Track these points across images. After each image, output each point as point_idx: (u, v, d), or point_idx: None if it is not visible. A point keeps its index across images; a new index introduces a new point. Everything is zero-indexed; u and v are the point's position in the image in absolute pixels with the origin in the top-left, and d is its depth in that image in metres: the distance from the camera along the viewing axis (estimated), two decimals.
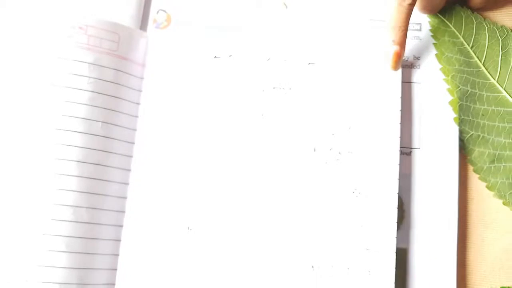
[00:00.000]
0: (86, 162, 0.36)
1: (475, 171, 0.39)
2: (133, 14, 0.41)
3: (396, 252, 0.36)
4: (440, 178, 0.38)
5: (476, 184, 0.39)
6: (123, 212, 0.38)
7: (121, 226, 0.37)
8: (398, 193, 0.37)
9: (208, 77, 0.40)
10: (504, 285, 0.38)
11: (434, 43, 0.40)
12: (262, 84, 0.39)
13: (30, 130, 0.36)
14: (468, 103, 0.39)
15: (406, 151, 0.39)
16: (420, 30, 0.41)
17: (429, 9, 0.40)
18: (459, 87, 0.39)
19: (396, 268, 0.36)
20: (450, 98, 0.39)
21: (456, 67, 0.39)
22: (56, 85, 0.37)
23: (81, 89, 0.37)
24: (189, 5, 0.42)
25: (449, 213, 0.38)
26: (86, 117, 0.37)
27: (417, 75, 0.40)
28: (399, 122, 0.38)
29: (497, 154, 0.38)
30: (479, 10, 0.41)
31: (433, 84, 0.40)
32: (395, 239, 0.36)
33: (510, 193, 0.38)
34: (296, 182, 0.38)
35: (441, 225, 0.38)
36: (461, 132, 0.39)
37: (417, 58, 0.40)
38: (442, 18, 0.40)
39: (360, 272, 0.36)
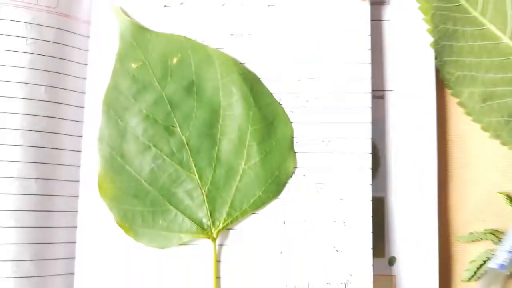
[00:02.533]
0: (32, 130, 0.34)
1: (467, 113, 0.35)
2: None
3: (373, 202, 0.34)
4: (416, 121, 0.36)
5: (456, 125, 0.36)
6: (78, 181, 0.35)
7: (77, 196, 0.35)
8: (372, 140, 0.35)
9: (159, 28, 0.36)
10: (488, 228, 0.36)
11: None
12: (217, 32, 0.36)
13: None
14: (450, 42, 0.36)
15: (378, 94, 0.36)
16: None
17: None
18: (438, 26, 0.36)
19: (373, 217, 0.34)
20: (428, 38, 0.36)
21: (435, 4, 0.36)
22: None
23: (19, 51, 0.34)
24: None
25: (427, 157, 0.35)
26: (27, 82, 0.34)
27: (387, 12, 0.37)
28: (370, 62, 0.35)
29: (488, 91, 0.35)
30: None
31: (406, 21, 0.37)
32: (370, 188, 0.34)
33: (508, 130, 0.35)
34: None
35: (420, 170, 0.35)
36: (445, 74, 0.36)
37: None
38: None
39: (335, 223, 0.34)
